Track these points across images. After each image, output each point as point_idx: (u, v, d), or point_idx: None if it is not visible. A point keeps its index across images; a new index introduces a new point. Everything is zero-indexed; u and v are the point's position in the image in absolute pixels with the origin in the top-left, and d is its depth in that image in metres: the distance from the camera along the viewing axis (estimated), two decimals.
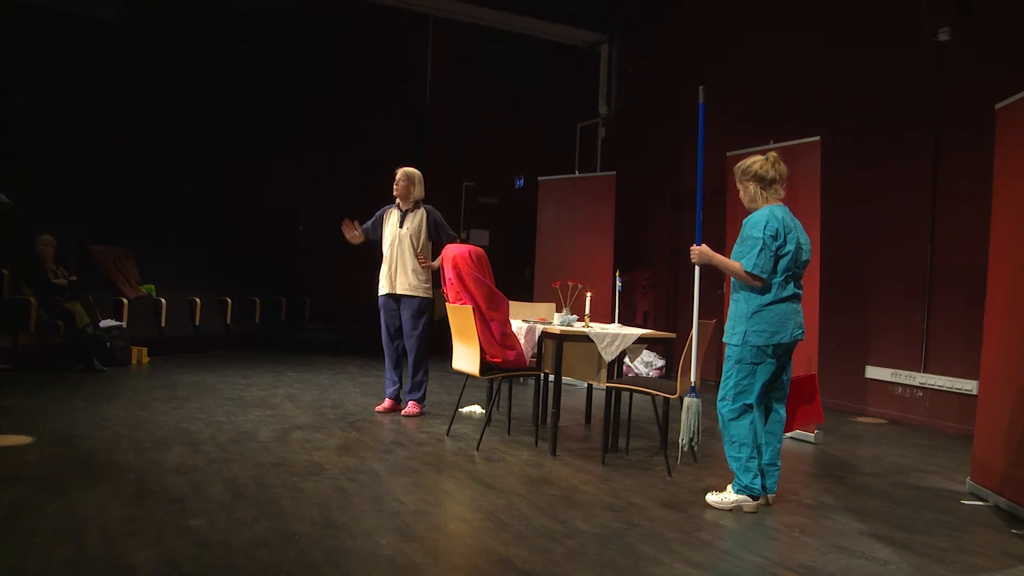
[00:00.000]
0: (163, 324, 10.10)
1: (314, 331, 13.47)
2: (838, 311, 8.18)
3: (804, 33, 9.32)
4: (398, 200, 6.89)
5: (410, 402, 6.81)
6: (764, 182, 4.50)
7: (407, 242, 6.76)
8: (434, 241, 6.90)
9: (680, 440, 4.73)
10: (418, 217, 6.84)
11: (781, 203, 4.53)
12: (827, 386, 7.73)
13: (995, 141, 5.15)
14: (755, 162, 4.52)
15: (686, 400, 4.73)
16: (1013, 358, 4.70)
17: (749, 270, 4.35)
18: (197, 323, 10.72)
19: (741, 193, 4.61)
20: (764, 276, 4.34)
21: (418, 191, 6.88)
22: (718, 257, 4.54)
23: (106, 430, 5.51)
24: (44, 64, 11.33)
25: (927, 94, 7.89)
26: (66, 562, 3.10)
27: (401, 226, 6.80)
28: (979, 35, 7.48)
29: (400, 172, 6.89)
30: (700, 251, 4.60)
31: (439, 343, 7.23)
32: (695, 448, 4.87)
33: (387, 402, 6.92)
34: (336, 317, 13.84)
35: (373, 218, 6.97)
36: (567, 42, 13.23)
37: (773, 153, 4.57)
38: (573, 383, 8.70)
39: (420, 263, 6.73)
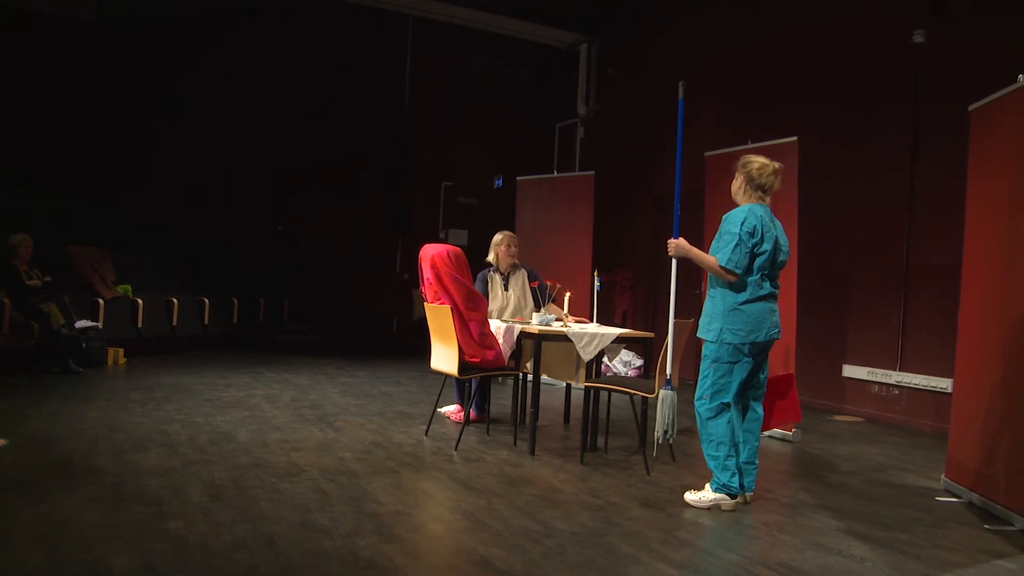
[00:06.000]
0: (140, 325, 10.03)
1: (293, 333, 13.42)
2: (815, 310, 8.24)
3: (783, 35, 9.39)
4: (499, 266, 6.91)
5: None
6: (752, 184, 4.54)
7: (520, 306, 6.79)
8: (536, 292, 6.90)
9: (656, 432, 4.75)
10: (520, 279, 6.90)
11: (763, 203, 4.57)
12: (805, 385, 7.80)
13: (969, 142, 5.22)
14: (755, 163, 4.54)
15: (661, 393, 4.75)
16: (986, 357, 4.76)
17: (723, 264, 4.38)
18: (174, 324, 10.66)
19: (733, 180, 4.65)
20: (738, 272, 4.37)
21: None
22: (694, 251, 4.56)
23: (83, 432, 5.46)
24: (21, 63, 11.20)
25: (903, 95, 7.97)
26: (42, 568, 3.07)
27: (506, 289, 6.84)
28: (953, 37, 7.56)
29: (508, 236, 6.93)
30: (677, 244, 4.62)
31: (418, 344, 7.20)
32: (671, 440, 4.89)
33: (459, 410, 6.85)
34: (316, 319, 13.80)
35: (479, 285, 6.74)
36: (547, 42, 13.27)
37: (779, 165, 4.58)
38: (552, 383, 8.72)
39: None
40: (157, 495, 4.10)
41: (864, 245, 8.35)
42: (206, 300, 11.30)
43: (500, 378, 7.87)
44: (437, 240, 11.50)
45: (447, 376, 5.98)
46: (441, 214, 14.06)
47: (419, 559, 3.45)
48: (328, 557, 3.35)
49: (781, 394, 6.22)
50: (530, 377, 5.78)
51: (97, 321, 9.14)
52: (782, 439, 6.70)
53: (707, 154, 7.66)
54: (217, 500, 4.07)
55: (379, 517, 3.95)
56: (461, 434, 5.85)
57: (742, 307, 4.41)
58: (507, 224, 8.28)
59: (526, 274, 6.96)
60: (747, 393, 4.61)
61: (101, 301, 9.44)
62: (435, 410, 6.44)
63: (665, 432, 4.71)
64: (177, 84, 12.52)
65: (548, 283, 6.66)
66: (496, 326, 6.07)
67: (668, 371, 4.88)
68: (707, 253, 4.53)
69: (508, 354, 6.01)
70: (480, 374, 5.80)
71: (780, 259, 4.51)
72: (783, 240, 4.55)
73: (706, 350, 4.55)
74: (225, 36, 12.80)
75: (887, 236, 8.08)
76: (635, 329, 6.86)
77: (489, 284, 6.87)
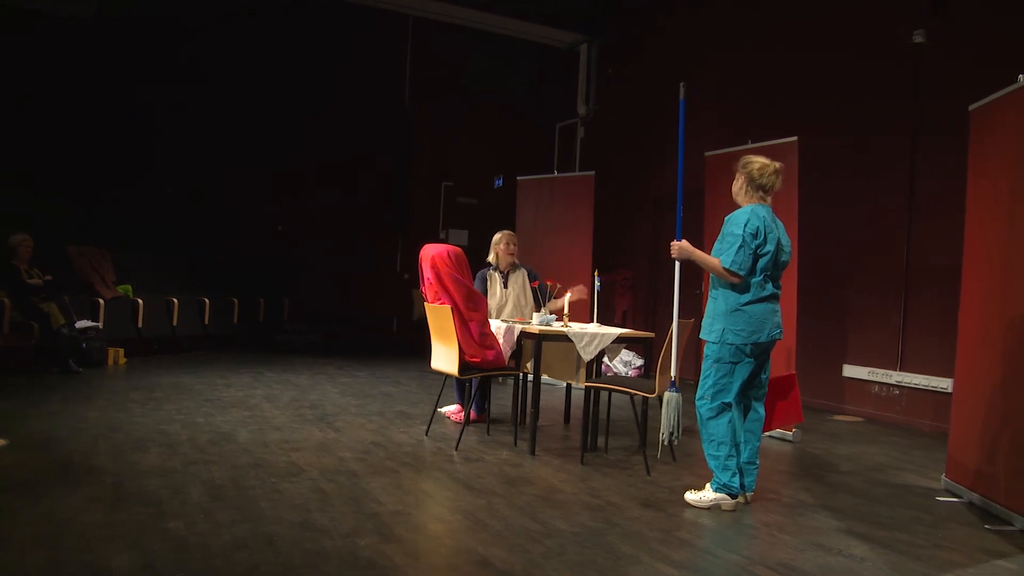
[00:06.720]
0: (140, 325, 10.03)
1: (293, 333, 13.41)
2: (815, 310, 8.24)
3: (783, 35, 9.39)
4: (499, 265, 6.95)
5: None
6: (753, 184, 4.54)
7: (520, 304, 6.82)
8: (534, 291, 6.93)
9: (660, 435, 4.75)
10: (520, 278, 6.92)
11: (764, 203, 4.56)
12: (805, 385, 7.78)
13: (969, 142, 5.21)
14: (756, 163, 4.53)
15: (666, 395, 4.76)
16: (986, 357, 4.76)
17: (727, 266, 4.38)
18: (174, 324, 10.66)
19: (734, 181, 4.65)
20: (742, 273, 4.37)
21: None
22: (697, 252, 4.56)
23: (83, 432, 5.46)
24: (21, 63, 11.19)
25: (903, 95, 7.96)
26: (42, 568, 3.07)
27: (505, 287, 6.87)
28: (953, 37, 7.56)
29: (508, 235, 6.97)
30: (680, 246, 4.62)
31: (418, 344, 7.20)
32: (675, 442, 4.90)
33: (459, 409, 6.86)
34: (316, 319, 13.79)
35: (478, 283, 6.75)
36: (547, 42, 13.27)
37: (780, 165, 4.58)
38: (552, 383, 8.71)
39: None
40: (157, 495, 4.10)
41: (864, 245, 8.35)
42: (206, 300, 11.30)
43: (500, 378, 7.87)
44: (437, 240, 11.51)
45: (447, 376, 5.99)
46: (441, 214, 14.07)
47: (419, 559, 3.45)
48: (328, 557, 3.35)
49: (783, 394, 6.22)
50: (530, 377, 5.78)
51: (97, 321, 9.14)
52: (782, 439, 6.70)
53: (707, 154, 7.65)
54: (217, 500, 4.07)
55: (379, 517, 3.95)
56: (461, 434, 5.85)
57: (744, 308, 4.41)
58: (507, 224, 8.29)
59: (526, 273, 6.96)
60: (749, 393, 4.61)
61: (101, 301, 9.44)
62: (435, 410, 6.44)
63: (670, 434, 4.72)
64: (177, 84, 12.50)
65: (548, 283, 6.66)
66: (496, 326, 6.07)
67: (672, 372, 4.89)
68: (709, 254, 4.53)
69: (508, 354, 6.01)
70: (480, 374, 5.80)
71: (782, 260, 4.51)
72: (785, 241, 4.54)
73: (708, 350, 4.55)
74: (225, 36, 12.79)
75: (887, 236, 8.08)
76: (635, 329, 6.87)
77: (488, 282, 6.88)
